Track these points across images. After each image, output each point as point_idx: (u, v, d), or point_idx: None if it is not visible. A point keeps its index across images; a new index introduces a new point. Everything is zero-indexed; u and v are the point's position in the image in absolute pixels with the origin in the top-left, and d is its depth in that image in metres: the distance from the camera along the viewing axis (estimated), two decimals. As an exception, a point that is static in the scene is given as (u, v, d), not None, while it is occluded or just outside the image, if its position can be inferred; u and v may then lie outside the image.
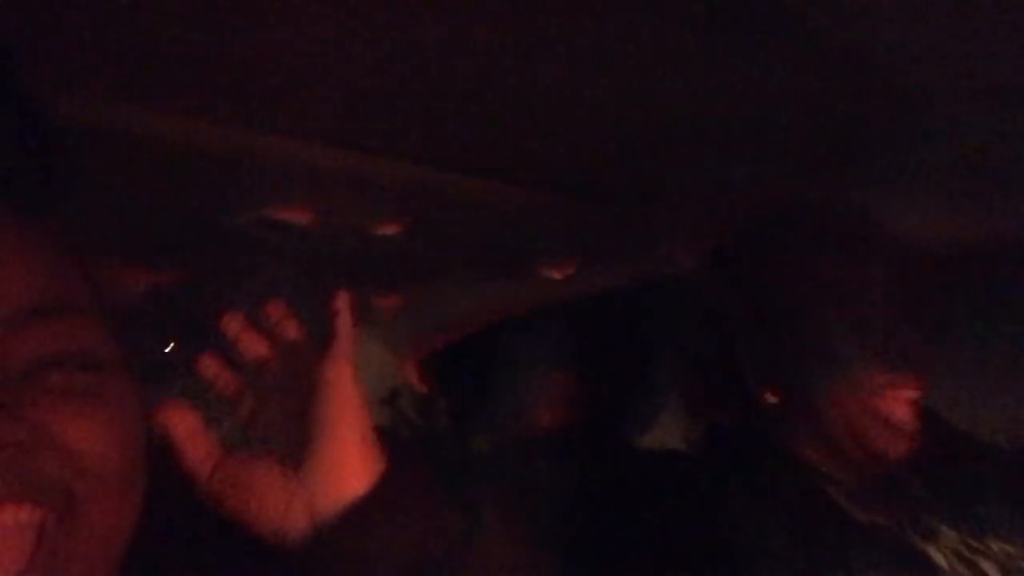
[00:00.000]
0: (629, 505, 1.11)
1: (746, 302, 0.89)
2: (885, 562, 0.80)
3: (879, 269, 0.85)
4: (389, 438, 0.73)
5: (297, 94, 0.76)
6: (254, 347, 0.72)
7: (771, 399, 0.87)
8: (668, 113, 0.83)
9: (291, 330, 0.73)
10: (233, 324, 0.72)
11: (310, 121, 0.82)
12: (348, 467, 0.67)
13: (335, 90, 0.76)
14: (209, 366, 0.71)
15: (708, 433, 1.00)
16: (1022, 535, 0.85)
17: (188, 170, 0.83)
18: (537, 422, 1.34)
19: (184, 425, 0.68)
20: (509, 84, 0.77)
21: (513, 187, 1.09)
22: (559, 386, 1.33)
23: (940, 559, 0.82)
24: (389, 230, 1.10)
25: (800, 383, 0.85)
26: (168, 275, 1.21)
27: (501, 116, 0.85)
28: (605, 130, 0.89)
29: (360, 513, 0.65)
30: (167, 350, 0.74)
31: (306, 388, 0.69)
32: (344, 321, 0.73)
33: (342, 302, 0.74)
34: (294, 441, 0.68)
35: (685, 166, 1.03)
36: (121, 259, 0.97)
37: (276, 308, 0.74)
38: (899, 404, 0.84)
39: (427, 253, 1.37)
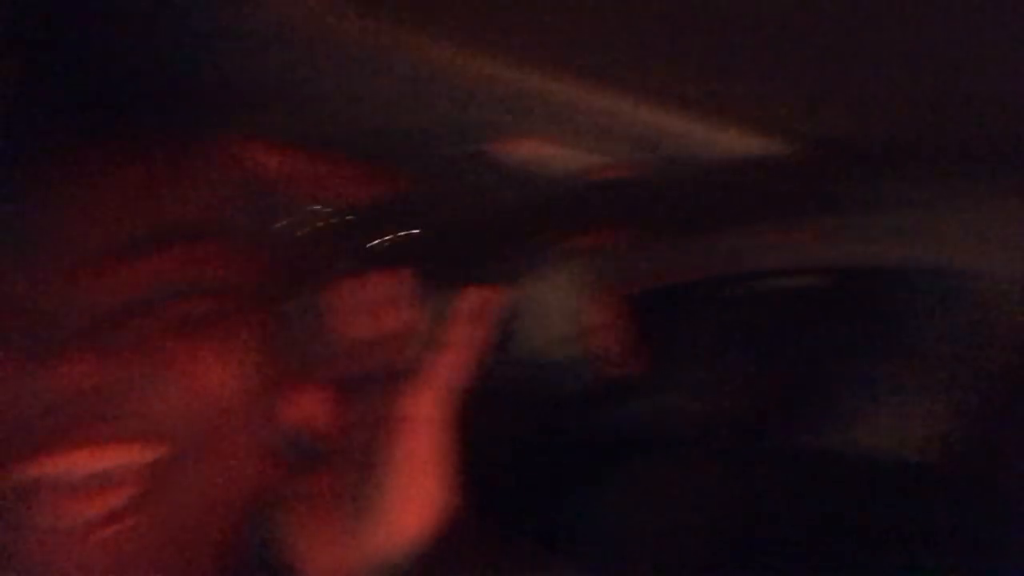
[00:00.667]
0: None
1: None
2: None
3: None
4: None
5: (542, 22, 0.66)
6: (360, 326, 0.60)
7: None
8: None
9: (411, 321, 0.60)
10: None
11: (555, 54, 0.73)
12: (406, 521, 0.57)
13: (583, 22, 0.66)
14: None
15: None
16: None
17: (423, 91, 0.76)
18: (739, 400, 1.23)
19: None
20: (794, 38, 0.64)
21: (771, 140, 0.95)
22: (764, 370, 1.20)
23: None
24: (620, 174, 1.00)
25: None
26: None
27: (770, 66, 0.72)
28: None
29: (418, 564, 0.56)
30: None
31: (386, 415, 0.58)
32: (461, 339, 0.60)
33: (470, 303, 0.61)
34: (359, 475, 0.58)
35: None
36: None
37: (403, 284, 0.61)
38: None
39: (653, 200, 1.26)
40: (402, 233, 1.29)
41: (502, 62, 0.71)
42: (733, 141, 0.93)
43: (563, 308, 2.02)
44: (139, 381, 0.46)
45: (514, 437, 1.57)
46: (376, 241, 1.26)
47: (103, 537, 0.46)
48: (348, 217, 0.87)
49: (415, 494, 0.57)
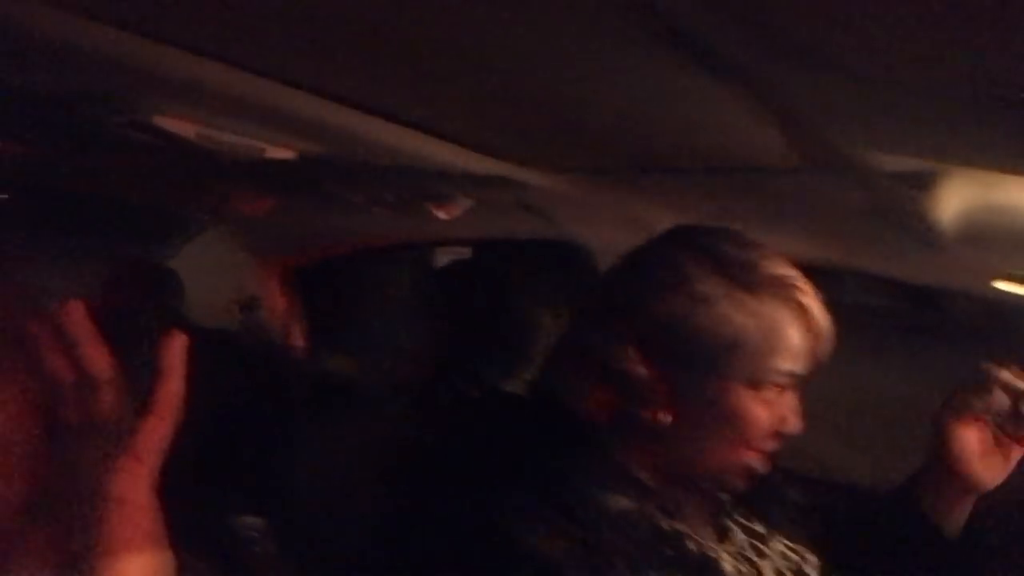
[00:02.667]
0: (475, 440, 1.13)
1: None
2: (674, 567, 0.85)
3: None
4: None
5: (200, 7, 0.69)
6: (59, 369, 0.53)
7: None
8: (592, 103, 0.83)
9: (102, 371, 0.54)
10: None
11: (211, 37, 0.76)
12: None
13: (240, 12, 0.70)
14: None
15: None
16: (803, 536, 0.94)
17: (79, 67, 0.75)
18: (406, 359, 1.35)
19: None
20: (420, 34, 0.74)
21: (415, 131, 1.06)
22: (435, 328, 1.33)
23: (727, 564, 0.88)
24: (282, 154, 1.05)
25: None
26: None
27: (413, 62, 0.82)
28: (527, 101, 0.88)
29: None
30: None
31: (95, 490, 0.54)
32: (168, 390, 0.56)
33: (172, 349, 0.57)
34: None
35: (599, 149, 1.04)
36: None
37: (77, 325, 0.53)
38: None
39: (315, 174, 1.31)
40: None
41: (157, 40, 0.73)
42: (382, 130, 1.02)
43: (224, 278, 2.00)
44: None
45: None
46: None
47: None
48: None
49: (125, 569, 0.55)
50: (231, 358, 1.82)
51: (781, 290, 0.84)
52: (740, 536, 0.91)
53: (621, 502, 0.85)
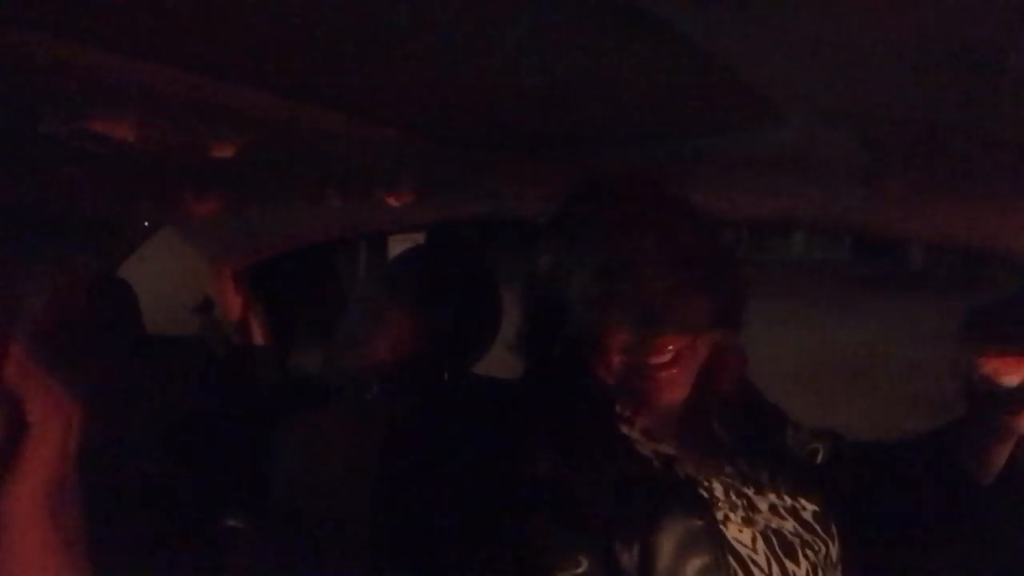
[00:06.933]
0: (455, 427, 1.14)
1: (578, 251, 0.92)
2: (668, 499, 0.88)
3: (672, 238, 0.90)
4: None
5: (135, 9, 0.68)
6: None
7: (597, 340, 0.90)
8: (525, 76, 0.83)
9: None
10: None
11: (147, 38, 0.74)
12: None
13: (177, 10, 0.68)
14: None
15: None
16: (804, 484, 0.97)
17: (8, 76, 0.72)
18: (372, 350, 1.33)
19: None
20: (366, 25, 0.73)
21: (359, 121, 1.05)
22: (396, 317, 1.32)
23: (718, 490, 0.91)
24: (223, 152, 1.03)
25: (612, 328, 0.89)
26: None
27: (350, 52, 0.81)
28: (463, 80, 0.88)
29: None
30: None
31: None
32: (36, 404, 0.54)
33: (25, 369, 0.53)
34: None
35: (537, 123, 1.04)
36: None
37: None
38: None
39: (259, 171, 1.30)
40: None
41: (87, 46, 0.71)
42: (326, 119, 1.01)
43: (178, 283, 1.97)
44: None
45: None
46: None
47: None
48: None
49: None
50: (196, 362, 1.80)
51: None
52: (736, 473, 0.95)
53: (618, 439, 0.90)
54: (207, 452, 1.46)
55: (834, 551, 0.92)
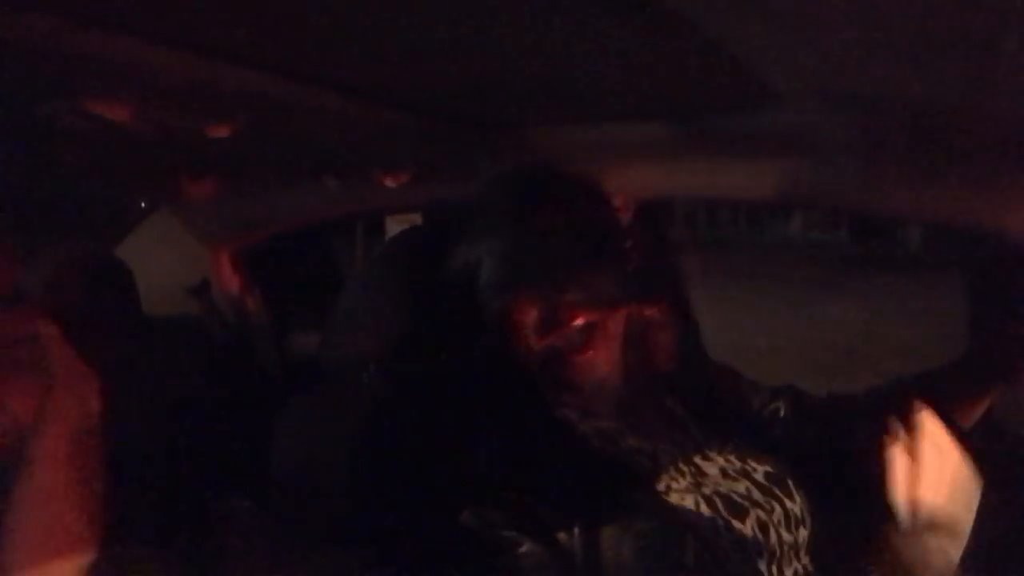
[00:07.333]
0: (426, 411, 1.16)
1: (486, 242, 0.95)
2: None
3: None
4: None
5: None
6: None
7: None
8: (523, 57, 0.83)
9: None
10: None
11: (144, 18, 0.74)
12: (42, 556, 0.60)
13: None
14: None
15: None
16: (747, 448, 0.99)
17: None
18: (369, 332, 1.33)
19: None
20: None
21: (355, 101, 1.05)
22: (393, 298, 1.32)
23: (664, 457, 0.93)
24: (220, 133, 1.03)
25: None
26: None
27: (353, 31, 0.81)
28: (460, 61, 0.88)
29: None
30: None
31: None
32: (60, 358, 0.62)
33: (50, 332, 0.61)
34: None
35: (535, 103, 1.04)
36: None
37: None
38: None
39: (256, 152, 1.29)
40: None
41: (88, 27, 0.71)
42: (323, 98, 1.01)
43: (175, 264, 1.96)
44: None
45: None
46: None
47: None
48: None
49: (49, 531, 0.61)
50: (193, 343, 1.80)
51: None
52: (686, 440, 0.97)
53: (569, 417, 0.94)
54: (204, 432, 1.47)
55: (794, 507, 0.94)
